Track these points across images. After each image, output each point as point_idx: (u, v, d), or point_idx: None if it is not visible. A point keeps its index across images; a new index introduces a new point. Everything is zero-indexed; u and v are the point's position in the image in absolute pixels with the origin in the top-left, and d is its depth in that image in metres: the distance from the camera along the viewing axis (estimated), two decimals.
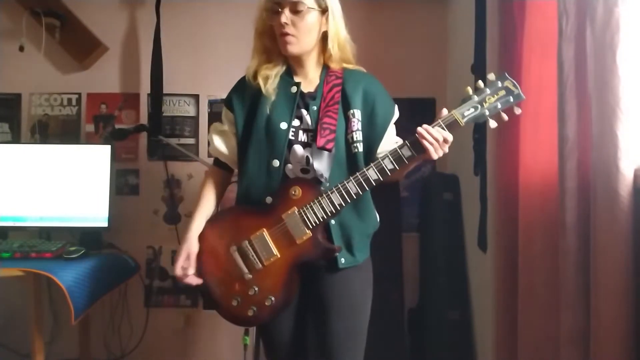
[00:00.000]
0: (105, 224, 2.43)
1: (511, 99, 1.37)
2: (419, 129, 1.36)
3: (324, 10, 1.49)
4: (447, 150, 1.38)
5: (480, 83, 1.39)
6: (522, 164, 1.58)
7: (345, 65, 1.56)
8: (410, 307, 2.65)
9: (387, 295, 2.52)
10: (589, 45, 1.21)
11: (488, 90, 1.38)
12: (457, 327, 2.38)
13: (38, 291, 2.10)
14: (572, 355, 1.26)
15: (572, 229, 1.26)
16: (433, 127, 1.37)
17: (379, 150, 1.52)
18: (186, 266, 1.49)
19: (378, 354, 2.37)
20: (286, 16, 1.46)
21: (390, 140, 1.55)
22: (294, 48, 1.49)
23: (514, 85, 1.38)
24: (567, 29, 1.29)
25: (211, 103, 2.75)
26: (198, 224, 1.52)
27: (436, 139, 1.35)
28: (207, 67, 2.72)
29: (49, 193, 2.43)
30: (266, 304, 1.46)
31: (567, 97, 1.29)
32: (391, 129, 1.56)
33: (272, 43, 1.53)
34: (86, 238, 2.44)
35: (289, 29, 1.46)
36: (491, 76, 1.39)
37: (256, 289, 1.46)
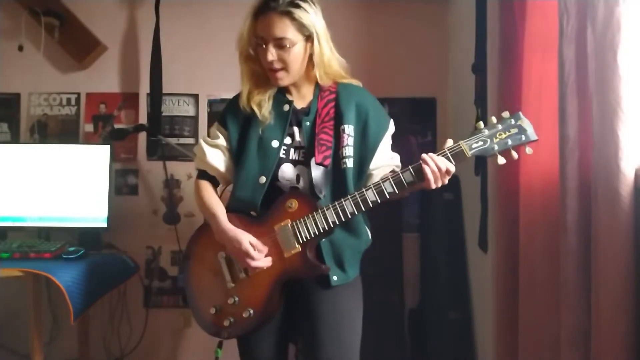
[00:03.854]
0: (105, 224, 2.42)
1: (523, 138, 1.34)
2: (424, 155, 1.34)
3: (308, 37, 1.45)
4: (446, 181, 1.35)
5: (493, 119, 1.37)
6: (523, 163, 1.57)
7: (338, 80, 1.53)
8: (411, 307, 2.65)
9: (388, 296, 2.52)
10: (590, 45, 1.21)
11: (500, 127, 1.35)
12: (457, 328, 2.38)
13: (37, 291, 2.09)
14: (573, 356, 1.25)
15: (572, 228, 1.26)
16: (438, 155, 1.34)
17: (372, 166, 1.50)
18: (259, 251, 1.41)
19: (379, 355, 2.37)
20: (272, 53, 1.42)
21: (384, 156, 1.53)
22: (284, 81, 1.48)
23: (528, 125, 1.35)
24: (568, 28, 1.28)
25: (211, 103, 2.74)
26: (224, 218, 1.45)
27: (439, 167, 1.32)
28: (206, 67, 2.72)
29: (48, 193, 2.42)
30: (244, 315, 1.43)
31: (568, 96, 1.28)
32: (385, 144, 1.53)
33: (259, 67, 1.49)
34: (85, 238, 2.44)
35: (276, 65, 1.44)
36: (505, 114, 1.37)
37: (236, 299, 1.44)
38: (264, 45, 1.43)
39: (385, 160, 1.51)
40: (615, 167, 1.12)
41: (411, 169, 1.36)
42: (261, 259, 1.41)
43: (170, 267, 2.73)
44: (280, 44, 1.42)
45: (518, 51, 1.62)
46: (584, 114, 1.26)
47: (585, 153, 1.26)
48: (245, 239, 1.41)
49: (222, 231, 1.44)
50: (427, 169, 1.32)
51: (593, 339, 1.17)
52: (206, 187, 1.55)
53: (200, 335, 2.71)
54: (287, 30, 1.41)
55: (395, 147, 1.60)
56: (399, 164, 1.56)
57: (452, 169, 1.33)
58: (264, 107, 1.49)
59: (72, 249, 2.25)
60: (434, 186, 1.34)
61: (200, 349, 2.72)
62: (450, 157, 1.34)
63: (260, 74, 1.51)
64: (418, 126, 2.66)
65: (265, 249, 1.42)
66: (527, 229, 1.52)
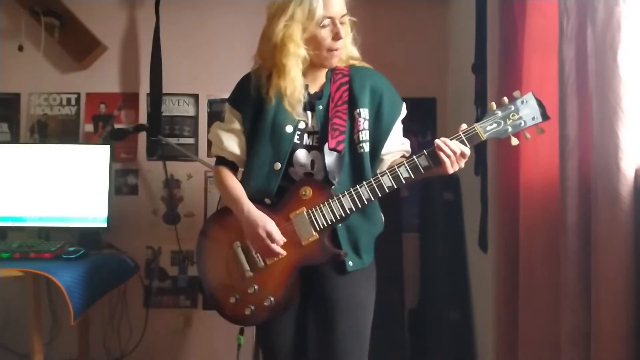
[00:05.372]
0: (105, 224, 2.42)
1: (535, 118, 1.35)
2: (437, 140, 1.34)
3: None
4: (463, 165, 1.35)
5: (505, 99, 1.37)
6: (523, 163, 1.57)
7: (351, 62, 1.53)
8: (411, 307, 2.65)
9: (388, 296, 2.51)
10: (589, 45, 1.21)
11: (512, 107, 1.36)
12: (457, 328, 2.38)
13: (37, 291, 2.09)
14: (572, 356, 1.25)
15: (572, 228, 1.26)
16: (452, 139, 1.35)
17: (385, 150, 1.50)
18: (275, 239, 1.40)
19: (379, 355, 2.36)
20: (344, 30, 1.41)
21: (396, 140, 1.52)
22: (337, 60, 1.48)
23: (540, 105, 1.35)
24: (568, 28, 1.28)
25: (211, 103, 2.74)
26: (248, 201, 1.43)
27: (453, 151, 1.32)
28: (206, 66, 2.72)
29: (48, 193, 2.42)
30: (265, 304, 1.44)
31: (568, 96, 1.28)
32: (398, 127, 1.53)
33: (307, 56, 1.43)
34: (85, 238, 2.44)
35: (341, 43, 1.44)
36: (517, 94, 1.37)
37: (256, 287, 1.44)
38: (331, 26, 1.40)
39: (396, 146, 1.51)
40: (615, 167, 1.12)
41: (426, 153, 1.37)
42: (278, 247, 1.41)
43: (170, 267, 2.73)
44: (343, 20, 1.42)
45: (518, 51, 1.62)
46: (584, 114, 1.26)
47: (585, 153, 1.26)
48: (269, 221, 1.41)
49: (246, 212, 1.42)
50: (441, 154, 1.33)
51: (593, 339, 1.17)
52: (227, 173, 1.53)
53: (200, 335, 2.73)
54: (345, 4, 1.43)
55: None
56: (409, 150, 1.56)
57: (467, 152, 1.34)
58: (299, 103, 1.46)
59: (72, 249, 2.25)
60: (451, 170, 1.34)
61: (200, 349, 2.72)
62: (465, 140, 1.35)
63: (301, 64, 1.44)
64: (418, 126, 2.67)
65: (282, 240, 1.42)
66: (527, 229, 1.52)
